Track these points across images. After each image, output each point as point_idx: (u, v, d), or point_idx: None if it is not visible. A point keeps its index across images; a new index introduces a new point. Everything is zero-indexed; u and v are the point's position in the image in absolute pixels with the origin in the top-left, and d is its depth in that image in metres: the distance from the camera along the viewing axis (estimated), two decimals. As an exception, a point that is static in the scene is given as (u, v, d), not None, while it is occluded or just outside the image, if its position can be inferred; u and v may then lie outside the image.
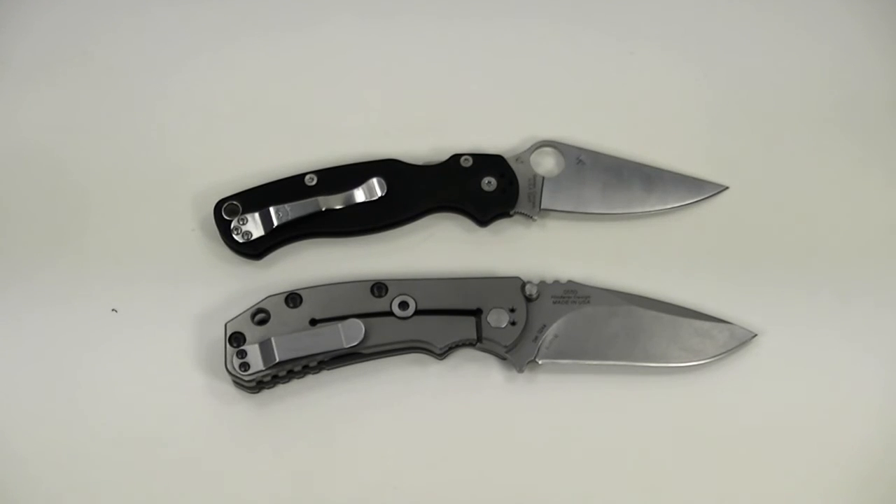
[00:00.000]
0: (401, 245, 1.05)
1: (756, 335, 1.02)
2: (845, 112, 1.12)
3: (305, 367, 0.98)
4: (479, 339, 0.99)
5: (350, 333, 0.97)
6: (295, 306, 0.99)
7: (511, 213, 1.06)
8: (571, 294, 1.01)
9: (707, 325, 1.01)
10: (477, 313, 1.00)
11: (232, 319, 0.98)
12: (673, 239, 1.07)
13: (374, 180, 1.04)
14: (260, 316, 0.98)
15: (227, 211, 1.03)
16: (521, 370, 1.00)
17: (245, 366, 0.96)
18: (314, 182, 1.04)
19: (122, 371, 1.00)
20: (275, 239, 1.03)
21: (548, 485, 0.99)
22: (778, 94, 1.12)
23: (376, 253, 1.05)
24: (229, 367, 0.96)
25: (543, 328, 1.00)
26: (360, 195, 1.04)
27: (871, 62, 1.14)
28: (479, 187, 1.05)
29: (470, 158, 1.06)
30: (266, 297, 0.99)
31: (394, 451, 0.99)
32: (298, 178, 1.04)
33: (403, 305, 0.99)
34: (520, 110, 1.11)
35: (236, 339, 0.97)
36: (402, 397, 1.00)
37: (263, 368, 0.96)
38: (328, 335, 0.97)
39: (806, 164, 1.10)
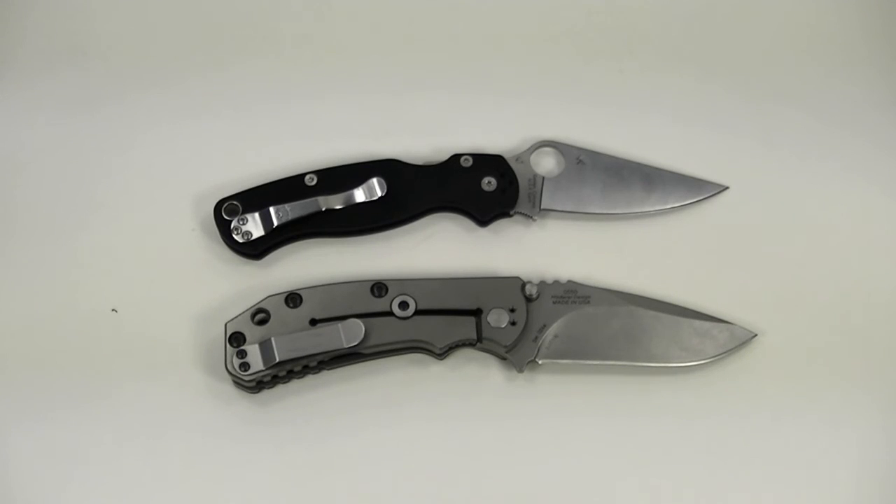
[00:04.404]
0: (401, 245, 1.06)
1: (756, 335, 1.02)
2: (845, 112, 1.12)
3: (305, 367, 0.98)
4: (479, 339, 0.99)
5: (350, 333, 0.97)
6: (295, 306, 0.99)
7: (511, 213, 1.06)
8: (571, 294, 1.01)
9: (707, 325, 1.01)
10: (477, 313, 1.00)
11: (232, 319, 0.98)
12: (673, 239, 1.07)
13: (374, 180, 1.04)
14: (260, 316, 0.98)
15: (227, 211, 1.03)
16: (521, 370, 1.00)
17: (245, 366, 0.96)
18: (314, 182, 1.04)
19: (122, 371, 1.00)
20: (275, 239, 1.03)
21: (548, 485, 0.99)
22: (778, 93, 1.12)
23: (376, 253, 1.05)
24: (229, 367, 0.96)
25: (543, 328, 1.00)
26: (360, 195, 1.04)
27: (871, 62, 1.14)
28: (479, 187, 1.06)
29: (470, 158, 1.06)
30: (266, 297, 0.99)
31: (394, 452, 0.99)
32: (298, 178, 1.04)
33: (403, 305, 0.99)
34: (520, 110, 1.11)
35: (236, 339, 0.97)
36: (402, 397, 1.00)
37: (263, 368, 0.96)
38: (328, 335, 0.97)
39: (806, 164, 1.10)
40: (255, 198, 1.04)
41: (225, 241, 1.03)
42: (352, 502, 0.98)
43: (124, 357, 1.01)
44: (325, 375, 1.00)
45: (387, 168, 1.05)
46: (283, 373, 0.98)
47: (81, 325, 1.02)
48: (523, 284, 1.01)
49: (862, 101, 1.12)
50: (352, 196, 1.04)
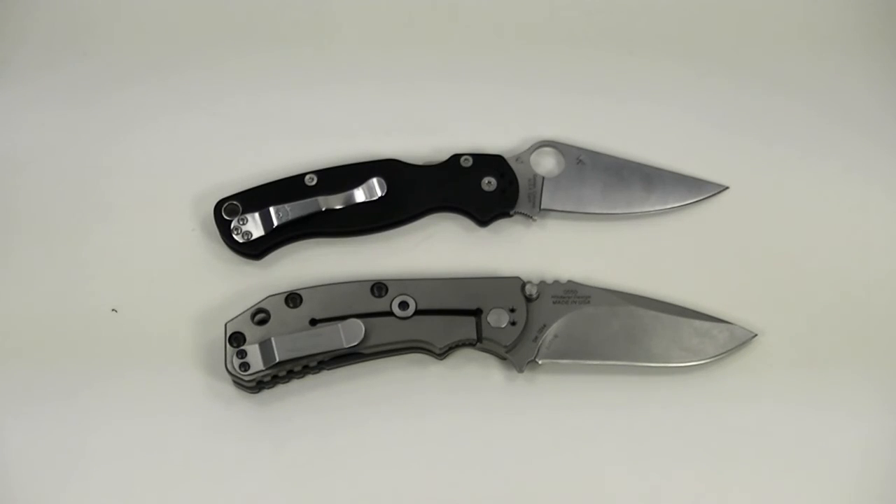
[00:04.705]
0: (401, 245, 1.06)
1: (756, 335, 1.02)
2: (845, 111, 1.12)
3: (305, 367, 0.98)
4: (479, 339, 0.99)
5: (350, 333, 0.97)
6: (295, 306, 0.99)
7: (511, 213, 1.06)
8: (571, 294, 1.01)
9: (707, 325, 1.01)
10: (477, 313, 1.00)
11: (232, 319, 0.98)
12: (673, 239, 1.07)
13: (374, 180, 1.04)
14: (260, 316, 0.98)
15: (227, 211, 1.03)
16: (521, 370, 1.00)
17: (245, 366, 0.96)
18: (314, 182, 1.04)
19: (121, 371, 1.00)
20: (275, 239, 1.03)
21: (548, 485, 0.99)
22: (778, 93, 1.12)
23: (376, 253, 1.05)
24: (229, 367, 0.96)
25: (543, 328, 1.00)
26: (360, 195, 1.04)
27: (870, 62, 1.14)
28: (479, 187, 1.06)
29: (470, 158, 1.06)
30: (266, 297, 0.99)
31: (393, 451, 0.99)
32: (298, 178, 1.04)
33: (403, 305, 0.99)
34: (520, 110, 1.11)
35: (236, 339, 0.97)
36: (402, 397, 1.00)
37: (263, 368, 0.96)
38: (328, 335, 0.97)
39: (806, 164, 1.10)
40: (255, 198, 1.04)
41: (225, 241, 1.03)
42: (352, 502, 0.98)
43: (124, 357, 1.01)
44: (325, 375, 1.00)
45: (387, 168, 1.05)
46: (283, 373, 0.98)
47: (81, 324, 1.02)
48: (523, 284, 1.01)
49: (863, 100, 1.12)
50: (352, 196, 1.04)
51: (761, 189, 1.09)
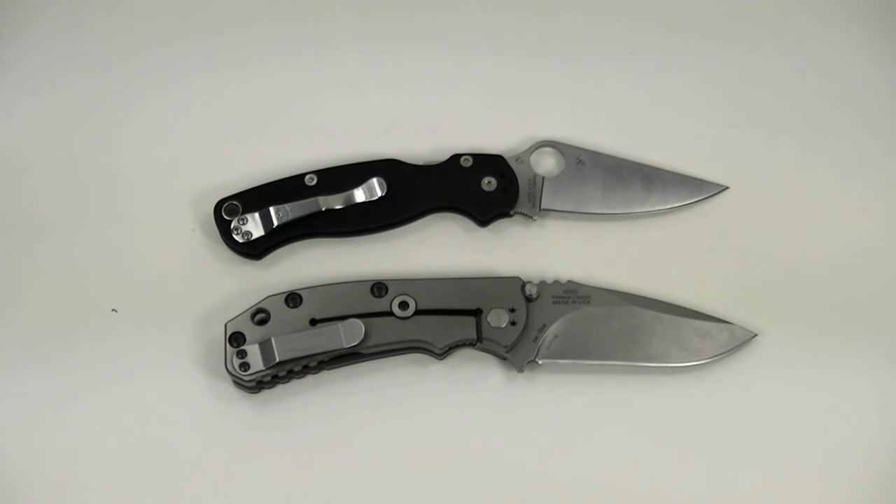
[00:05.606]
0: (401, 245, 1.06)
1: (756, 335, 1.02)
2: (845, 111, 1.12)
3: (305, 367, 0.98)
4: (479, 339, 0.99)
5: (350, 333, 0.97)
6: (295, 306, 0.99)
7: (511, 213, 1.06)
8: (571, 294, 1.01)
9: (707, 325, 1.01)
10: (477, 313, 1.00)
11: (232, 319, 0.98)
12: (673, 239, 1.07)
13: (374, 180, 1.04)
14: (260, 316, 0.98)
15: (227, 211, 1.03)
16: (521, 370, 1.00)
17: (245, 366, 0.96)
18: (314, 182, 1.04)
19: (122, 371, 1.00)
20: (275, 239, 1.03)
21: (548, 485, 0.99)
22: (778, 93, 1.13)
23: (376, 253, 1.05)
24: (229, 367, 0.96)
25: (543, 328, 1.00)
26: (360, 195, 1.04)
27: (871, 61, 1.14)
28: (479, 187, 1.06)
29: (470, 158, 1.06)
30: (266, 297, 0.99)
31: (394, 451, 0.99)
32: (298, 178, 1.04)
33: (403, 305, 0.99)
34: (520, 110, 1.11)
35: (236, 339, 0.97)
36: (402, 397, 1.00)
37: (263, 368, 0.96)
38: (328, 335, 0.97)
39: (806, 164, 1.10)
40: (255, 198, 1.03)
41: (225, 241, 1.03)
42: (351, 502, 0.98)
43: (124, 357, 1.01)
44: (325, 375, 1.00)
45: (387, 168, 1.05)
46: (283, 373, 0.98)
47: (81, 324, 1.01)
48: (523, 284, 1.01)
49: (863, 100, 1.12)
50: (352, 196, 1.04)
51: (761, 189, 1.09)
